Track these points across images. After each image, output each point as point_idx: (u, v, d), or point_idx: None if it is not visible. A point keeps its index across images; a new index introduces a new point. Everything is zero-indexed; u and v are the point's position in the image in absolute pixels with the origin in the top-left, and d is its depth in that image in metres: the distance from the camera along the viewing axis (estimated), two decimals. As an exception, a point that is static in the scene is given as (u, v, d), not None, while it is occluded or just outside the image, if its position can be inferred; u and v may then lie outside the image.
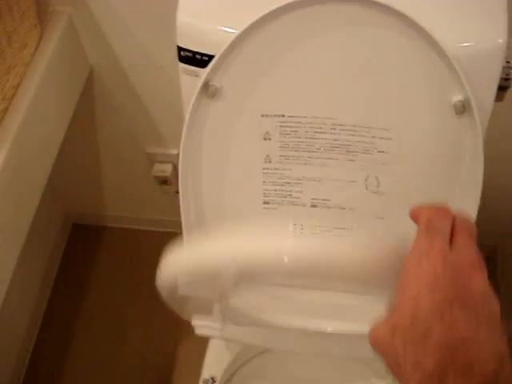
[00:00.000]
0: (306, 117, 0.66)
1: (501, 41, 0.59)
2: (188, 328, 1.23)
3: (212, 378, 0.85)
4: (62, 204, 1.34)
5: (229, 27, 0.60)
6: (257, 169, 0.72)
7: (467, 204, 0.69)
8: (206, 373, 0.86)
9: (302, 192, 0.74)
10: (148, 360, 1.25)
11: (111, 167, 1.21)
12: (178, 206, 1.27)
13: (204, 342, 1.17)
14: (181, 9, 0.62)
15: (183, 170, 0.71)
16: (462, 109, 0.60)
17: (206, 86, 0.62)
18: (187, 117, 0.65)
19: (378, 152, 0.68)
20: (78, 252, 1.41)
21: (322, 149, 0.69)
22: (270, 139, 0.69)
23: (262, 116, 0.66)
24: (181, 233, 1.34)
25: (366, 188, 0.72)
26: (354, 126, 0.66)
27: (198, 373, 1.17)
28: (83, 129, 1.06)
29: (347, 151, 0.68)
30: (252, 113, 0.66)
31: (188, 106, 0.67)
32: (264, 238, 0.48)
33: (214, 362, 0.87)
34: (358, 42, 0.60)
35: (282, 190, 0.74)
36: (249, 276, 0.55)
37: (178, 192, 1.17)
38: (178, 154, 1.08)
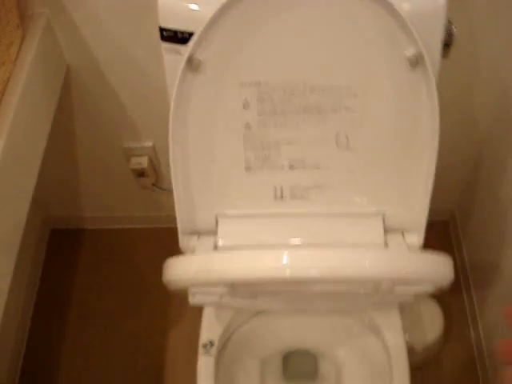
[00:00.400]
0: (279, 82, 0.74)
1: (442, 1, 0.69)
2: (176, 318, 1.31)
3: (210, 342, 0.91)
4: (39, 209, 1.37)
5: (206, 5, 0.68)
6: (238, 136, 0.80)
7: (428, 154, 0.78)
8: (205, 338, 0.92)
9: (279, 155, 0.82)
10: (139, 348, 1.29)
11: (89, 167, 1.26)
12: (156, 200, 1.34)
13: (193, 327, 1.24)
14: (161, -9, 0.70)
15: (173, 143, 0.77)
16: (416, 61, 0.70)
17: (190, 60, 0.70)
18: (174, 91, 0.72)
19: (346, 110, 0.77)
20: (59, 257, 1.44)
21: (296, 111, 0.77)
22: (248, 107, 0.76)
23: (241, 85, 0.74)
24: (160, 228, 1.41)
25: (337, 145, 0.81)
26: (322, 86, 0.74)
27: (189, 356, 1.23)
28: (60, 130, 1.11)
29: (318, 112, 0.77)
30: (231, 83, 0.74)
31: (172, 83, 0.74)
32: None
33: (210, 328, 0.93)
34: (319, 11, 0.69)
35: (262, 155, 0.82)
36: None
37: (154, 184, 1.24)
38: (153, 146, 1.16)
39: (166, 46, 0.72)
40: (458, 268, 1.36)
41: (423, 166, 0.81)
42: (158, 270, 1.34)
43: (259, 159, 0.82)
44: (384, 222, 0.88)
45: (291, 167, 0.83)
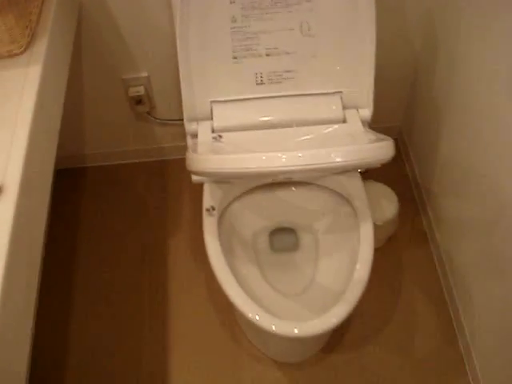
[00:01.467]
0: (256, -20, 0.99)
1: None
2: (173, 230, 1.52)
3: (212, 207, 1.14)
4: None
5: None
6: (227, 28, 1.04)
7: (369, 41, 1.05)
8: (207, 204, 1.14)
9: (258, 44, 1.07)
10: (145, 257, 1.51)
11: (91, 101, 1.47)
12: (150, 133, 1.56)
13: (187, 236, 1.45)
14: None
15: (179, 34, 1.01)
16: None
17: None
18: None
19: (306, 1, 1.02)
20: (66, 196, 1.63)
21: (269, 5, 1.02)
22: (234, 2, 1.01)
23: (228, -17, 0.99)
24: (153, 161, 1.63)
25: (301, 33, 1.06)
26: (288, -18, 1.00)
27: (187, 256, 1.44)
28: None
29: (286, 4, 1.02)
30: (221, -18, 0.99)
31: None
32: None
33: (210, 197, 1.16)
34: None
35: (245, 45, 1.07)
36: None
37: (149, 113, 1.47)
38: (148, 77, 1.39)
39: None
40: (408, 173, 1.63)
41: (367, 52, 1.07)
42: (154, 196, 1.57)
43: (243, 48, 1.07)
44: (342, 100, 1.14)
45: (268, 54, 1.08)
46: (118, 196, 1.62)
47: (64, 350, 1.34)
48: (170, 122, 1.53)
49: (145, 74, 1.40)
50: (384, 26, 1.29)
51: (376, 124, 1.59)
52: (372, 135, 1.06)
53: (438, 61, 1.33)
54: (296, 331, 0.96)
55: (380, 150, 0.94)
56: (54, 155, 0.98)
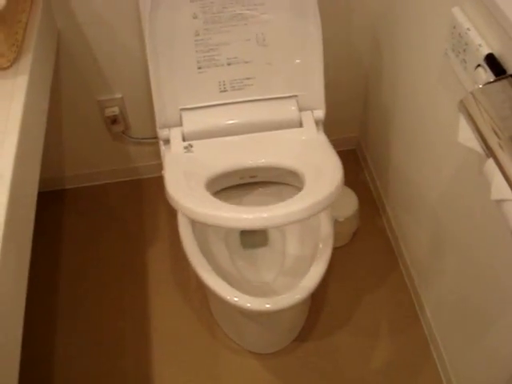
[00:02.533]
0: (215, -3, 1.14)
1: None
2: (151, 242, 1.62)
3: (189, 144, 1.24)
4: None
5: None
6: (191, 41, 1.18)
7: (317, 49, 1.19)
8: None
9: (220, 55, 1.21)
10: (126, 267, 1.60)
11: (68, 124, 1.57)
12: (125, 152, 1.68)
13: (165, 247, 1.54)
14: None
15: (149, 49, 1.15)
16: (297, -28, 1.12)
17: (155, -18, 1.09)
18: (148, 10, 1.10)
19: (260, 14, 1.17)
20: (47, 218, 1.72)
21: (228, 19, 1.17)
22: (196, 18, 1.16)
23: (191, 1, 1.13)
24: (130, 180, 1.74)
25: (257, 43, 1.21)
26: (243, -1, 1.15)
27: (165, 264, 1.54)
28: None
29: (242, 18, 1.17)
30: (184, 1, 1.13)
31: (145, 9, 1.12)
32: None
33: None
34: None
35: (208, 56, 1.20)
36: None
37: (124, 132, 1.59)
38: (122, 98, 1.51)
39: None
40: (367, 178, 1.77)
41: (316, 58, 1.22)
42: (132, 213, 1.67)
43: (206, 59, 1.20)
44: (298, 103, 1.28)
45: (229, 64, 1.22)
46: (97, 216, 1.71)
47: (49, 362, 1.41)
48: (144, 140, 1.65)
49: (119, 96, 1.53)
50: (332, 34, 1.44)
51: (334, 135, 1.74)
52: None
53: (384, 68, 1.48)
54: (268, 306, 1.06)
55: (329, 198, 1.06)
56: (39, 170, 1.08)
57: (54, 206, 1.75)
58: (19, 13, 1.12)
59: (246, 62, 1.22)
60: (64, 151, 1.66)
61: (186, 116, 1.25)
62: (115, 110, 1.54)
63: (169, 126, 1.26)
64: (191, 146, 1.22)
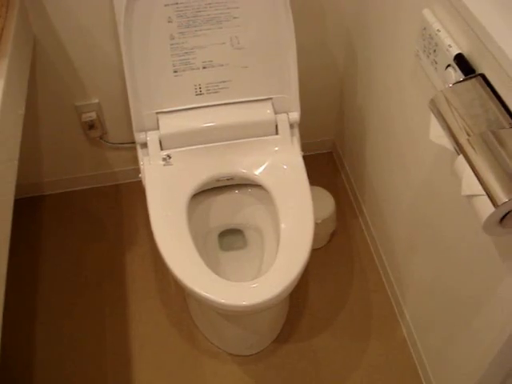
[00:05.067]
0: (189, 1, 1.14)
1: None
2: (129, 245, 1.61)
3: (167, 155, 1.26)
4: None
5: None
6: (166, 45, 1.18)
7: (291, 52, 1.21)
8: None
9: (195, 58, 1.21)
10: (105, 272, 1.59)
11: (45, 129, 1.56)
12: (103, 158, 1.67)
13: (143, 250, 1.54)
14: None
15: (125, 54, 1.15)
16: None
17: (129, -13, 1.09)
18: (123, 14, 1.11)
19: (234, 18, 1.18)
20: (25, 225, 1.70)
21: (202, 23, 1.17)
22: (171, 22, 1.16)
23: (165, 5, 1.14)
24: (109, 185, 1.73)
25: (232, 46, 1.22)
26: (217, 2, 1.15)
27: (144, 268, 1.53)
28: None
29: (217, 21, 1.18)
30: (158, 4, 1.13)
31: (119, 14, 1.13)
32: None
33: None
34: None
35: (184, 59, 1.21)
36: None
37: (101, 137, 1.59)
38: (99, 103, 1.51)
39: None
40: (343, 180, 1.78)
41: (290, 61, 1.23)
42: (110, 218, 1.67)
43: (182, 63, 1.21)
44: (273, 105, 1.29)
45: (204, 67, 1.23)
46: (76, 221, 1.70)
47: (28, 367, 1.39)
48: (121, 145, 1.64)
49: (96, 101, 1.52)
50: (310, 42, 1.46)
51: (310, 139, 1.77)
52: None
53: (359, 71, 1.50)
54: (244, 303, 1.06)
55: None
56: (15, 178, 1.07)
57: (32, 212, 1.73)
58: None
59: (222, 66, 1.23)
60: (42, 157, 1.65)
61: (162, 119, 1.25)
62: (92, 115, 1.53)
63: (146, 130, 1.26)
64: (169, 157, 1.23)
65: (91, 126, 1.55)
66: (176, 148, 1.26)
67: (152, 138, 1.25)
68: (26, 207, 1.73)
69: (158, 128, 1.26)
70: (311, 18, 1.44)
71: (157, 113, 1.26)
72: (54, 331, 1.46)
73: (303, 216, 1.18)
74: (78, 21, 1.34)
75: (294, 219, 1.19)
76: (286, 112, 1.29)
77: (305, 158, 1.28)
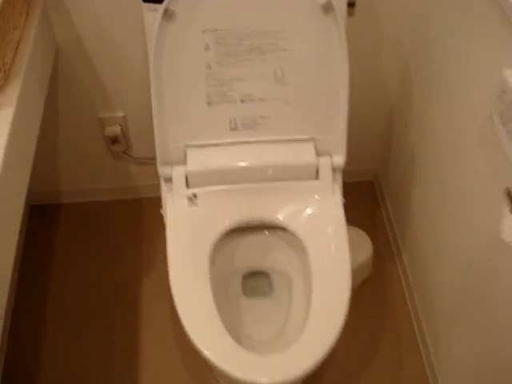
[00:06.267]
0: (231, 28, 1.00)
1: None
2: (146, 272, 1.51)
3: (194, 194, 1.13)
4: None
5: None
6: (201, 75, 1.05)
7: (342, 89, 1.06)
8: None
9: (233, 90, 1.08)
10: (119, 297, 1.49)
11: (66, 140, 1.46)
12: (126, 171, 1.56)
13: (161, 278, 1.43)
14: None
15: (153, 80, 1.02)
16: (327, 7, 0.98)
17: (166, 11, 0.95)
18: (154, 38, 0.97)
19: (280, 50, 1.03)
20: (39, 230, 1.61)
21: (244, 52, 1.03)
22: (209, 49, 1.02)
23: (203, 31, 1.00)
24: (129, 199, 1.62)
25: (276, 80, 1.07)
26: (262, 31, 1.01)
27: (160, 298, 1.42)
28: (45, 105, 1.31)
29: (260, 52, 1.03)
30: (196, 29, 0.99)
31: (150, 36, 0.99)
32: None
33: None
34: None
35: (220, 91, 1.07)
36: None
37: (125, 152, 1.47)
38: (124, 116, 1.39)
39: (146, 5, 0.97)
40: (383, 216, 1.64)
41: (340, 99, 1.09)
42: (128, 235, 1.56)
43: (218, 95, 1.07)
44: (315, 146, 1.15)
45: (242, 101, 1.09)
46: (92, 234, 1.61)
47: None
48: (146, 160, 1.52)
49: (121, 114, 1.40)
50: (359, 71, 1.31)
51: (351, 166, 1.61)
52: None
53: (413, 106, 1.35)
54: (264, 380, 0.94)
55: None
56: (25, 196, 0.98)
57: (47, 220, 1.64)
58: (10, 31, 0.99)
59: (262, 100, 1.09)
60: (61, 166, 1.55)
61: (191, 154, 1.13)
62: (116, 130, 1.41)
63: (171, 164, 1.13)
64: (195, 196, 1.11)
65: (114, 140, 1.43)
66: (203, 186, 1.13)
67: (178, 173, 1.12)
68: (42, 215, 1.64)
69: (185, 163, 1.12)
70: (365, 48, 1.29)
71: (185, 146, 1.12)
72: (59, 355, 1.37)
73: (339, 281, 1.05)
74: (105, 30, 1.22)
75: (328, 282, 1.06)
76: (330, 155, 1.15)
77: (343, 185, 1.17)
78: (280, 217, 1.14)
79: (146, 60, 1.25)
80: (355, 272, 1.36)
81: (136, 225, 1.63)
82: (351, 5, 1.04)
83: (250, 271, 1.29)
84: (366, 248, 1.39)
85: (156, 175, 1.56)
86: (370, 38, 1.29)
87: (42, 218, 1.64)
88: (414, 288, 1.40)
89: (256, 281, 1.31)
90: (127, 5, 1.14)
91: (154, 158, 1.50)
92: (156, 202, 1.64)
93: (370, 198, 1.68)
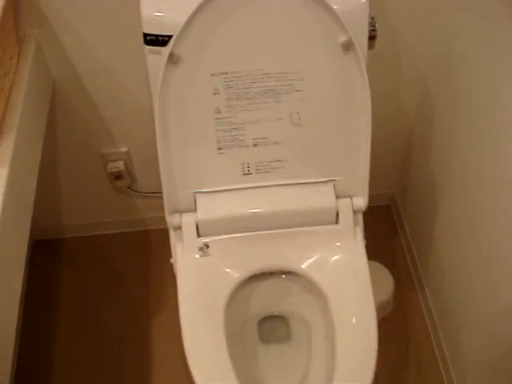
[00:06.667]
0: (242, 71, 0.92)
1: (363, 1, 0.89)
2: (155, 312, 1.43)
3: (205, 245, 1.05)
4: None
5: (181, 13, 0.86)
6: (210, 119, 0.97)
7: (364, 128, 0.97)
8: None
9: (245, 135, 0.99)
10: (126, 340, 1.41)
11: (68, 175, 1.39)
12: (131, 204, 1.48)
13: (171, 317, 1.36)
14: (143, 3, 0.87)
15: (158, 129, 0.94)
16: (347, 46, 0.89)
17: (171, 55, 0.87)
18: (158, 82, 0.89)
19: (296, 91, 0.95)
20: (42, 266, 1.54)
21: (256, 95, 0.95)
22: (218, 93, 0.94)
23: (212, 75, 0.92)
24: (135, 231, 1.55)
25: (291, 123, 0.99)
26: (277, 73, 0.93)
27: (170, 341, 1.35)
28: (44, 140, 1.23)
29: (274, 94, 0.95)
30: (204, 73, 0.91)
31: (154, 79, 0.91)
32: None
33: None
34: (273, 11, 0.88)
35: (231, 136, 0.99)
36: None
37: (129, 187, 1.39)
38: (127, 151, 1.31)
39: (148, 48, 0.89)
40: (402, 243, 1.56)
41: (361, 139, 1.00)
42: (135, 270, 1.49)
43: (229, 139, 0.99)
44: (335, 188, 1.06)
45: (255, 145, 1.01)
46: (98, 269, 1.54)
47: None
48: (152, 194, 1.45)
49: (124, 149, 1.33)
50: (378, 98, 1.22)
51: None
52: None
53: (434, 133, 1.27)
54: None
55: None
56: (27, 242, 0.95)
57: (51, 255, 1.57)
58: (1, 79, 0.91)
59: (277, 143, 1.01)
60: (64, 201, 1.48)
61: (201, 200, 1.05)
62: (119, 166, 1.33)
63: (180, 212, 1.05)
64: (207, 246, 1.03)
65: (118, 176, 1.35)
66: (216, 235, 1.05)
67: (187, 221, 1.05)
68: (46, 250, 1.56)
69: (195, 210, 1.04)
70: (384, 79, 1.21)
71: (195, 192, 1.04)
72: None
73: (364, 334, 0.98)
74: (104, 64, 1.14)
75: (353, 334, 0.99)
76: (350, 196, 1.07)
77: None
78: (298, 265, 1.07)
79: (149, 93, 1.17)
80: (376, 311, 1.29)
81: (144, 259, 1.56)
82: (372, 38, 0.95)
83: (267, 316, 1.22)
84: (387, 284, 1.31)
85: (163, 207, 1.49)
86: (389, 67, 1.21)
87: (46, 254, 1.57)
88: (439, 327, 1.32)
89: (273, 325, 1.24)
90: (127, 37, 1.06)
91: (161, 192, 1.43)
92: (164, 234, 1.57)
93: (387, 223, 1.60)
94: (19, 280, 0.89)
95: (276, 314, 1.21)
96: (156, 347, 1.38)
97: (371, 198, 1.56)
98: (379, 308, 1.29)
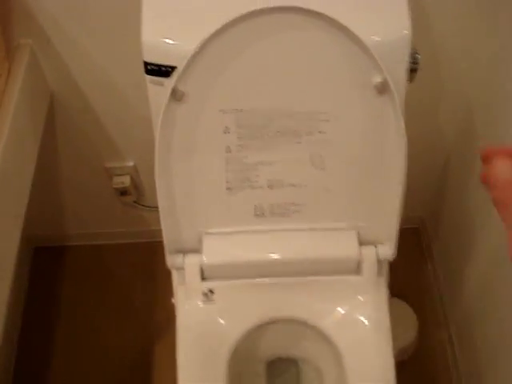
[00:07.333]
0: (258, 109, 0.79)
1: (406, 32, 0.75)
2: (159, 329, 1.34)
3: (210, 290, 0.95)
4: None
5: (187, 42, 0.73)
6: (219, 159, 0.84)
7: (396, 174, 0.84)
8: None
9: (258, 176, 0.87)
10: (125, 359, 1.33)
11: (72, 187, 1.29)
12: (138, 216, 1.38)
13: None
14: (145, 29, 0.74)
15: (158, 168, 0.82)
16: (382, 88, 0.75)
17: (173, 91, 0.74)
18: (159, 120, 0.77)
19: (319, 133, 0.82)
20: (43, 274, 1.46)
21: (273, 135, 0.82)
22: (228, 132, 0.81)
23: (221, 112, 0.79)
24: (142, 242, 1.45)
25: (312, 165, 0.86)
26: (298, 112, 0.80)
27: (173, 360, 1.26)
28: (44, 151, 1.13)
29: (294, 135, 0.82)
30: (212, 110, 0.79)
31: (157, 112, 0.78)
32: None
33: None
34: (294, 43, 0.74)
35: (242, 176, 0.87)
36: None
37: (136, 202, 1.28)
38: (134, 166, 1.19)
39: (150, 78, 0.77)
40: (430, 272, 1.43)
41: (392, 184, 0.87)
42: (141, 283, 1.39)
43: (239, 180, 0.87)
44: (358, 235, 0.94)
45: (270, 187, 0.88)
46: (101, 281, 1.45)
47: None
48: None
49: (130, 164, 1.21)
50: (414, 122, 1.09)
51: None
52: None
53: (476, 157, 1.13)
54: None
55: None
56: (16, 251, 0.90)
57: (53, 263, 1.48)
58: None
59: (294, 186, 0.88)
60: (67, 211, 1.39)
61: (207, 242, 0.93)
62: (125, 182, 1.23)
63: (184, 252, 0.94)
64: (212, 292, 0.92)
65: (123, 192, 1.24)
66: (222, 280, 0.94)
67: (191, 263, 0.94)
68: (48, 257, 1.48)
69: (200, 251, 0.93)
70: (423, 106, 1.07)
71: (200, 233, 0.93)
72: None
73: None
74: (105, 75, 1.02)
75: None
76: (375, 244, 0.94)
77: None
78: (313, 319, 0.96)
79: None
80: (395, 356, 1.17)
81: (149, 273, 1.46)
82: (413, 71, 0.81)
83: (275, 358, 1.11)
84: (411, 328, 1.20)
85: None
86: (428, 93, 1.07)
87: (47, 260, 1.48)
88: (462, 374, 1.21)
89: (281, 368, 1.14)
90: (129, 46, 0.93)
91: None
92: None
93: (414, 248, 1.47)
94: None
95: (284, 357, 1.11)
96: (159, 372, 1.30)
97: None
98: (399, 352, 1.18)
